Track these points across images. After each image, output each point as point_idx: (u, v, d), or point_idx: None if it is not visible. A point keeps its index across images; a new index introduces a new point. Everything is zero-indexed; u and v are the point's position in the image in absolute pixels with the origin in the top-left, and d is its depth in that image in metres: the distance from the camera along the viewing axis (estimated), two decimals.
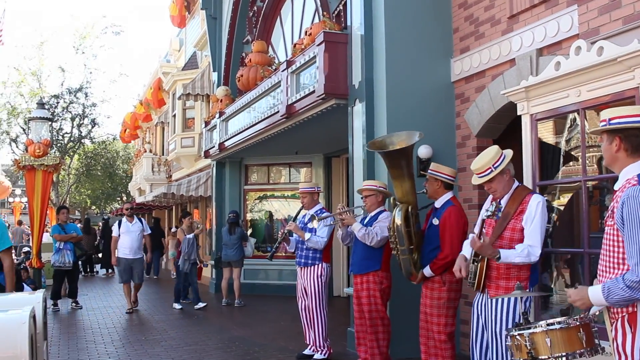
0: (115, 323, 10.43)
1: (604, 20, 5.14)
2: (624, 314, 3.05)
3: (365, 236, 6.21)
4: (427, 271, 5.49)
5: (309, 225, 7.23)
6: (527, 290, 4.41)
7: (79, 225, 20.42)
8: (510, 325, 4.34)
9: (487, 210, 4.43)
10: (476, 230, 4.70)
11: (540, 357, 3.29)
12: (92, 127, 31.10)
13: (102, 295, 14.95)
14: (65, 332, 9.60)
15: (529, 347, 3.31)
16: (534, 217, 4.39)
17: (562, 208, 5.65)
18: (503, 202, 4.59)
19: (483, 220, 4.55)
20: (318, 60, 8.30)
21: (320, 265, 7.18)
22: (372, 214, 6.44)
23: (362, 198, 6.57)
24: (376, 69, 7.65)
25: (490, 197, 4.77)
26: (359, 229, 6.26)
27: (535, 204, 4.42)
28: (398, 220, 5.50)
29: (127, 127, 29.96)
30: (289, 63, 9.45)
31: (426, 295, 5.56)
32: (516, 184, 4.62)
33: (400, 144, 5.61)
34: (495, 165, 4.48)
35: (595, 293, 3.07)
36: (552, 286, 5.38)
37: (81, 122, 30.52)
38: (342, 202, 9.39)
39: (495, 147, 4.63)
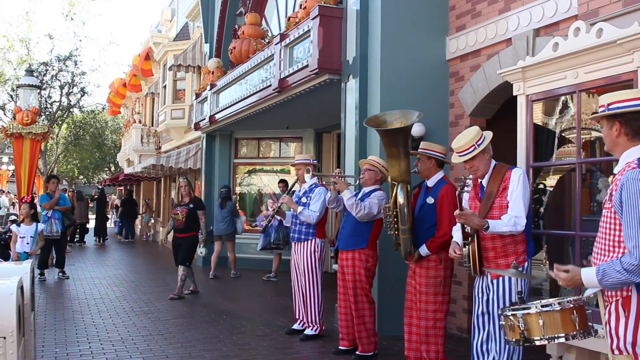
0: (102, 294, 10.40)
1: (603, 1, 5.08)
2: (617, 298, 3.05)
3: (352, 205, 6.16)
4: (423, 250, 5.45)
5: (302, 200, 7.21)
6: (526, 263, 4.54)
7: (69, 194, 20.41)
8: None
9: (458, 187, 4.48)
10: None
11: (532, 338, 3.29)
12: (82, 96, 30.80)
13: (89, 265, 14.91)
14: (51, 302, 9.56)
15: (522, 328, 3.30)
16: (516, 189, 4.50)
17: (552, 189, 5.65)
18: (484, 182, 4.68)
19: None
20: (312, 35, 8.21)
21: (313, 240, 7.15)
22: (367, 190, 6.40)
23: (362, 171, 6.51)
24: (371, 44, 7.57)
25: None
26: (348, 197, 6.21)
27: (517, 177, 4.54)
28: (401, 199, 5.41)
29: (113, 90, 29.51)
30: (283, 36, 9.35)
31: (420, 275, 5.49)
32: (494, 162, 4.71)
33: (399, 123, 5.52)
34: (478, 143, 4.60)
35: (588, 275, 3.06)
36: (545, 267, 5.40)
37: (70, 91, 30.21)
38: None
39: (476, 127, 4.75)
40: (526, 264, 4.58)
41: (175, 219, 10.02)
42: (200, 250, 9.87)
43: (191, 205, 10.03)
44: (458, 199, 4.50)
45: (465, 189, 4.53)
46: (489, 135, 4.71)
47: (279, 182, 12.91)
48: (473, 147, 4.59)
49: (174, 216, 10.06)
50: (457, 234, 4.89)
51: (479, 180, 4.74)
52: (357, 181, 6.69)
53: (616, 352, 3.07)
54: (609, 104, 3.17)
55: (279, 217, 7.71)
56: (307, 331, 7.23)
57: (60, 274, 12.29)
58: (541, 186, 5.57)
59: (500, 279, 4.54)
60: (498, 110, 7.37)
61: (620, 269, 2.92)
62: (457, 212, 4.49)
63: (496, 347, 4.63)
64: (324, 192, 7.09)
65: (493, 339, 4.65)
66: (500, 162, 4.76)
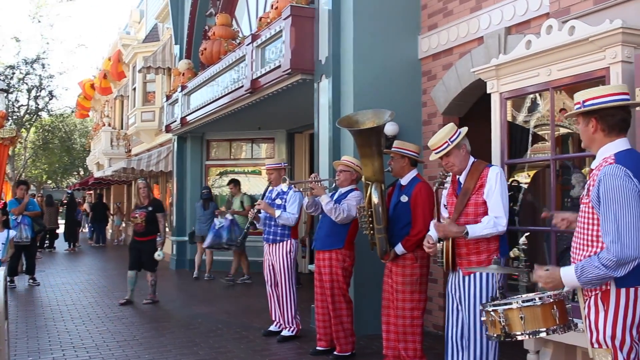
0: (74, 300, 10.25)
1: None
2: (597, 292, 3.07)
3: (332, 210, 6.15)
4: (399, 249, 5.46)
5: (277, 202, 7.18)
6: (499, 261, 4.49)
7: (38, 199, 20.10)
8: (485, 301, 4.37)
9: (434, 184, 4.51)
10: (443, 213, 4.74)
11: (514, 333, 3.30)
12: (50, 99, 30.36)
13: (60, 271, 14.69)
14: (22, 310, 9.39)
15: (502, 323, 3.31)
16: (494, 189, 4.49)
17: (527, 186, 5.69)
18: (462, 178, 4.68)
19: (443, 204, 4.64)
20: (284, 35, 8.18)
21: (289, 241, 7.13)
22: (343, 191, 6.39)
23: (336, 172, 6.50)
24: (343, 44, 7.56)
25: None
26: (326, 202, 6.20)
27: (494, 176, 4.52)
28: (375, 199, 5.41)
29: (82, 90, 29.07)
30: (254, 37, 9.31)
31: (397, 273, 5.50)
32: (472, 159, 4.71)
33: (371, 123, 5.51)
34: (451, 139, 4.61)
35: (567, 274, 3.08)
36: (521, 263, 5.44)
37: (38, 94, 29.77)
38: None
39: (451, 124, 4.76)
40: (500, 262, 4.59)
41: (134, 223, 9.82)
42: (158, 254, 9.73)
43: (150, 208, 9.71)
44: (436, 195, 4.52)
45: (445, 185, 4.54)
46: (463, 131, 4.71)
47: (228, 183, 12.72)
48: (447, 144, 4.60)
49: (133, 219, 9.83)
50: (433, 229, 4.89)
51: (457, 176, 4.75)
52: (334, 184, 6.68)
53: (595, 345, 3.10)
54: (584, 101, 3.19)
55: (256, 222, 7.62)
56: (284, 332, 7.20)
57: (31, 280, 12.08)
58: (514, 183, 5.61)
59: (472, 276, 4.53)
60: (470, 109, 7.41)
61: (599, 265, 2.94)
62: (434, 223, 4.50)
63: (470, 344, 4.63)
64: (298, 193, 7.07)
65: (467, 335, 4.66)
66: (478, 159, 4.77)
